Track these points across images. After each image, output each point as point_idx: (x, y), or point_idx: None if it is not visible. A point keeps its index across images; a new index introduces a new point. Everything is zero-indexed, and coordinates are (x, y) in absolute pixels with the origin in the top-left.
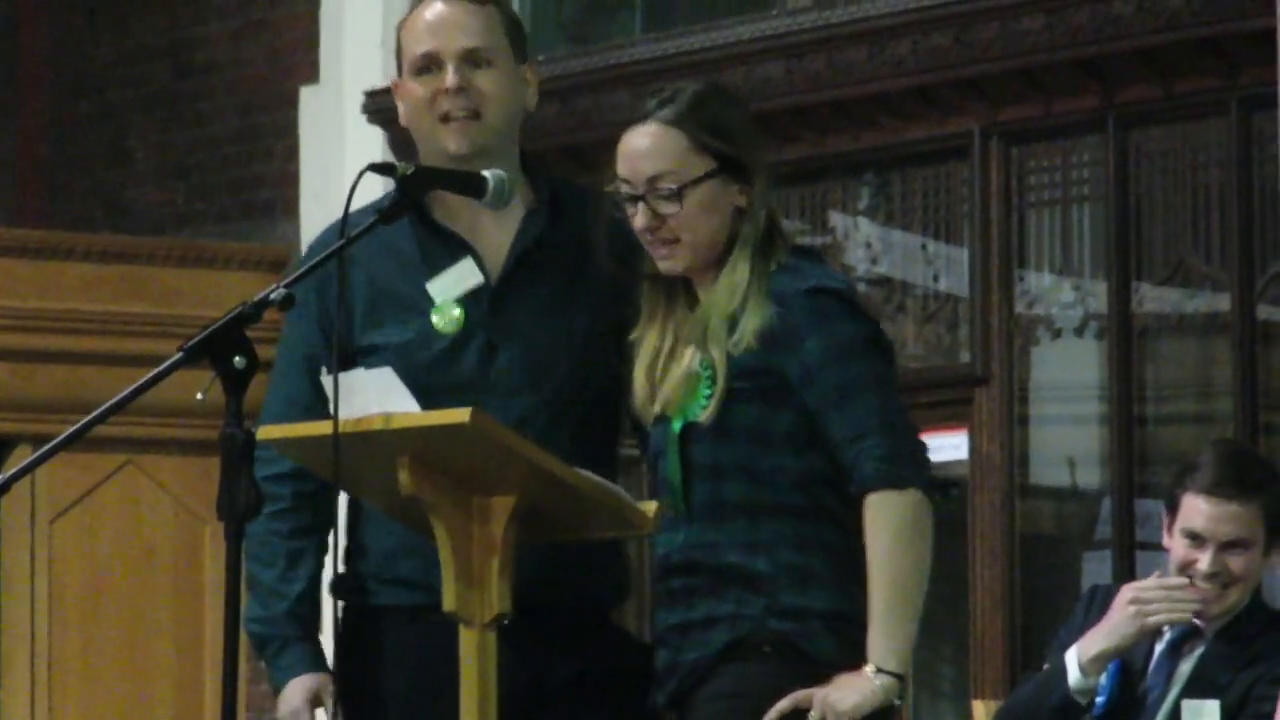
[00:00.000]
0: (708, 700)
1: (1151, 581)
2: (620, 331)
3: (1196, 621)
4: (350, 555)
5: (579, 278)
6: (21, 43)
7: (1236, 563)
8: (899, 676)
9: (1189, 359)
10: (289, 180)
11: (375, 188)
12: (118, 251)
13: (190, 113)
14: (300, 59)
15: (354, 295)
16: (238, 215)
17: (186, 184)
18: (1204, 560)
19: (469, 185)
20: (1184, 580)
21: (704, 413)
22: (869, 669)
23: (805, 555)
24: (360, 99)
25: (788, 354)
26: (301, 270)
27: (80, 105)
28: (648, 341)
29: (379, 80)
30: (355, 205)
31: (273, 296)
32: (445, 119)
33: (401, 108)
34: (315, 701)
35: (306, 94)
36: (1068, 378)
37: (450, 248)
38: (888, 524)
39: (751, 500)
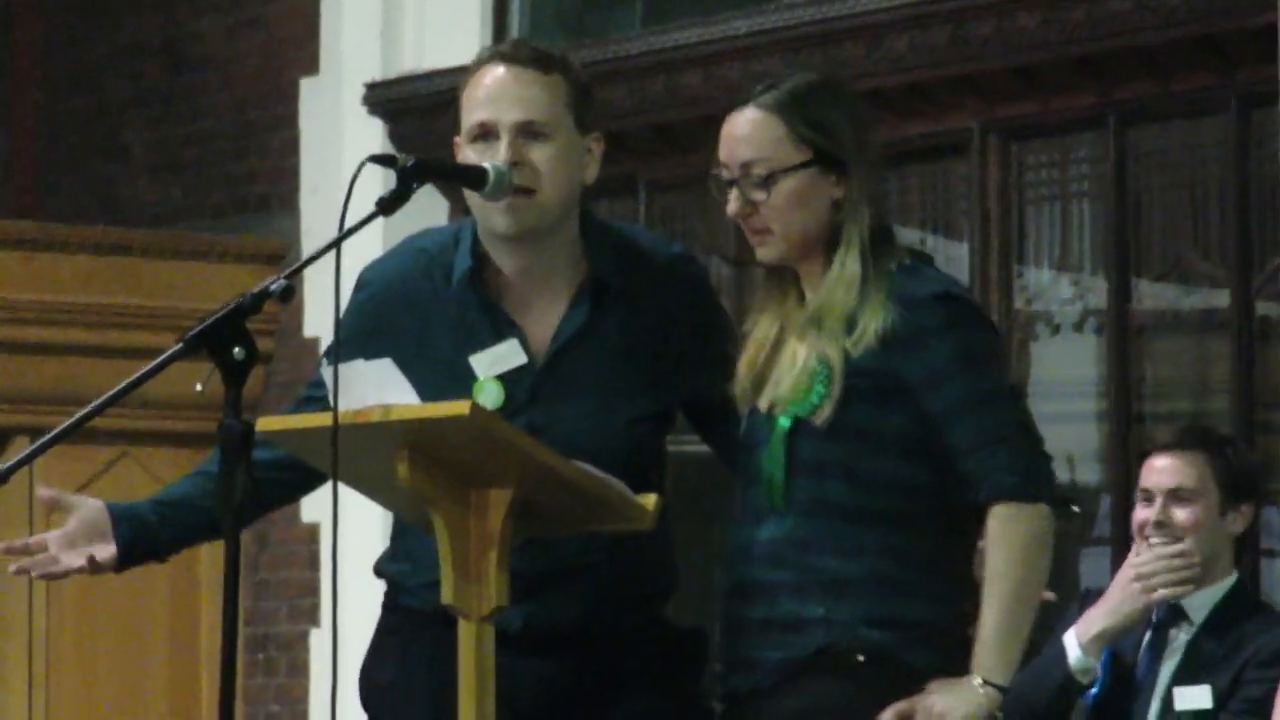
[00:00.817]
0: (800, 715)
1: (1148, 555)
2: (666, 419)
3: (1189, 593)
4: (393, 557)
5: (623, 363)
6: (16, 37)
7: (1181, 513)
8: (1003, 691)
9: (1187, 355)
10: (287, 174)
11: (375, 181)
12: (113, 244)
13: (186, 107)
14: (298, 51)
15: (397, 340)
16: (234, 209)
17: (183, 178)
18: (1151, 512)
19: (469, 178)
20: (1179, 546)
21: (818, 413)
22: (975, 680)
23: (899, 564)
24: (360, 91)
25: (911, 357)
26: (301, 263)
27: (75, 99)
28: (757, 331)
29: (378, 72)
30: (356, 201)
31: (273, 288)
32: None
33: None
34: (57, 504)
35: (306, 86)
36: (1066, 374)
37: (498, 325)
38: (1016, 536)
39: (851, 502)
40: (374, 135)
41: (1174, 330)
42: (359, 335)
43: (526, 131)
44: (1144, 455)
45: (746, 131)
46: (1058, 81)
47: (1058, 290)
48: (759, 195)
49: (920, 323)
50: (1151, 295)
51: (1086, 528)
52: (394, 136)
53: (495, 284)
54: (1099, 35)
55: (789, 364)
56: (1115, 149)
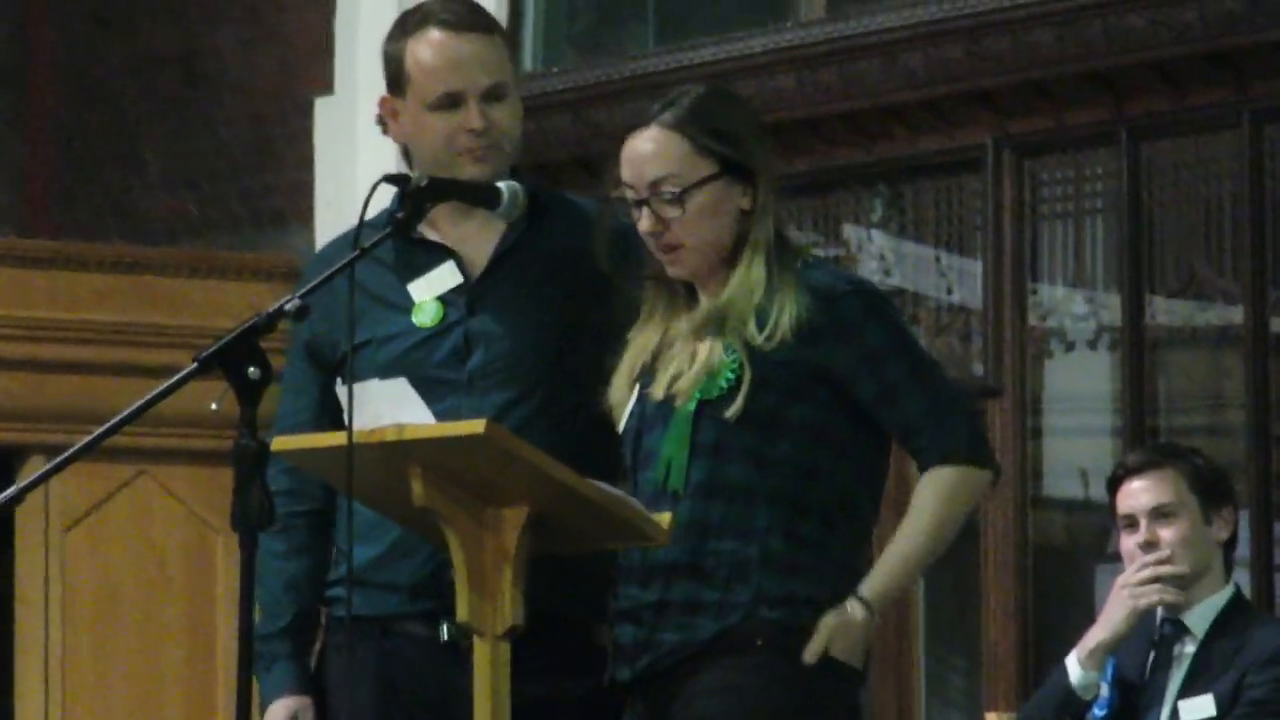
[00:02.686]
0: (702, 695)
1: (1134, 566)
2: (603, 333)
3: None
4: (334, 563)
5: (557, 280)
6: (32, 52)
7: (1166, 531)
8: (872, 613)
9: (1201, 371)
10: (302, 190)
11: (389, 200)
12: (130, 261)
13: (202, 122)
14: (314, 69)
15: (343, 303)
16: (250, 225)
17: (199, 193)
18: (1138, 535)
19: (483, 197)
20: (1164, 552)
21: (727, 403)
22: (858, 605)
23: (792, 545)
24: (374, 109)
25: (836, 348)
26: (315, 282)
27: (91, 114)
28: (641, 339)
29: None
30: (367, 216)
31: (287, 307)
32: (465, 151)
33: (398, 129)
34: None
35: (320, 104)
36: (1080, 390)
37: (432, 255)
38: (961, 492)
39: (748, 483)
40: (387, 154)
41: (1188, 346)
42: (316, 320)
43: (490, 95)
44: (1115, 483)
45: (651, 150)
46: (1072, 97)
47: (1072, 306)
48: (672, 212)
49: (842, 315)
50: (1166, 311)
51: (1101, 542)
52: (407, 155)
53: (427, 225)
54: (1113, 51)
55: (687, 359)
56: (1129, 164)
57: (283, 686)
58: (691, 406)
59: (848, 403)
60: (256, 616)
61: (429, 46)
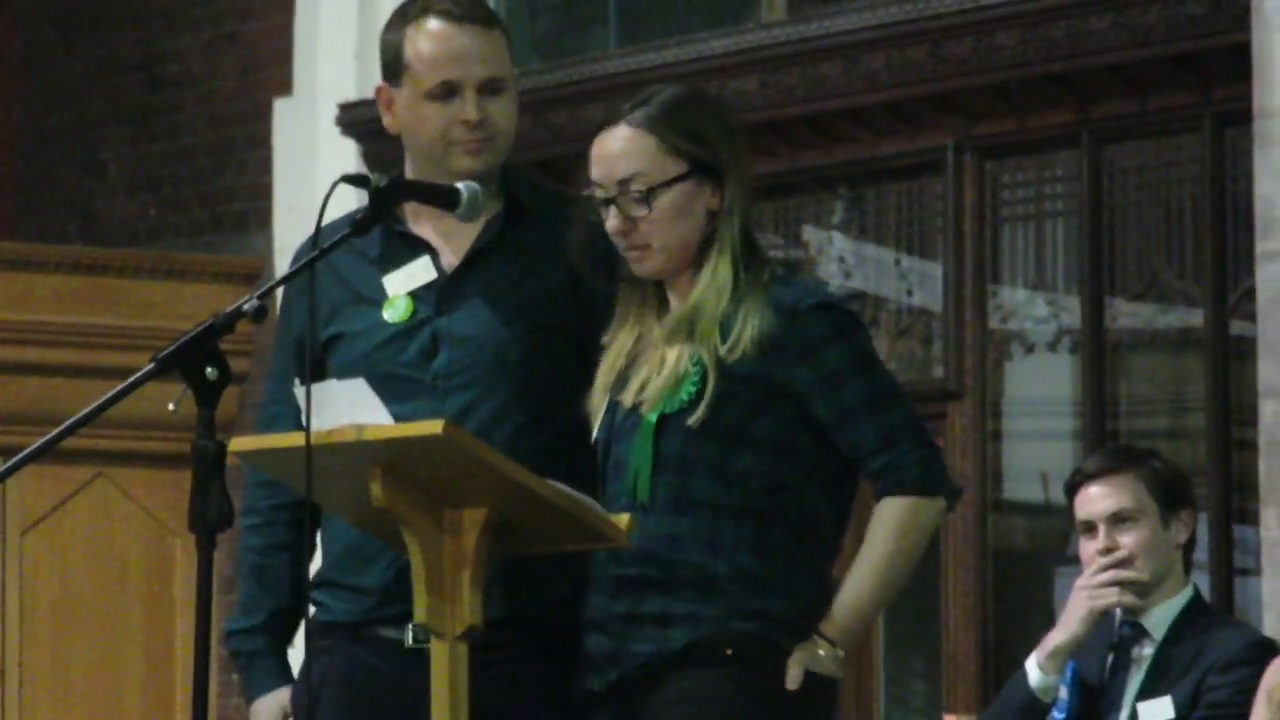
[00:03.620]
0: (672, 704)
1: (1093, 568)
2: (578, 335)
3: (1136, 603)
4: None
5: (530, 277)
6: None
7: (1126, 537)
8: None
9: (1162, 374)
10: (262, 192)
11: (348, 200)
12: (89, 263)
13: (163, 125)
14: (274, 71)
15: (324, 296)
16: (210, 227)
17: (159, 196)
18: (1097, 541)
19: (442, 198)
20: (1121, 554)
21: (689, 413)
22: (824, 642)
23: (763, 562)
24: (334, 111)
25: (798, 366)
26: (274, 282)
27: (52, 118)
28: (616, 342)
29: (352, 93)
30: (328, 217)
31: (245, 308)
32: (458, 143)
33: (392, 118)
34: (286, 716)
35: (280, 106)
36: (1041, 393)
37: (413, 249)
38: (911, 526)
39: (716, 500)
40: (347, 155)
41: (1149, 349)
42: (300, 316)
43: (488, 88)
44: (1073, 488)
45: (621, 148)
46: (1034, 100)
47: (1033, 309)
48: (640, 211)
49: (805, 332)
50: (1127, 313)
51: (1061, 546)
52: (367, 157)
53: (413, 219)
54: (1075, 54)
55: (656, 365)
56: (1090, 167)
57: (268, 681)
58: (653, 419)
59: (810, 419)
60: (228, 614)
61: (428, 36)
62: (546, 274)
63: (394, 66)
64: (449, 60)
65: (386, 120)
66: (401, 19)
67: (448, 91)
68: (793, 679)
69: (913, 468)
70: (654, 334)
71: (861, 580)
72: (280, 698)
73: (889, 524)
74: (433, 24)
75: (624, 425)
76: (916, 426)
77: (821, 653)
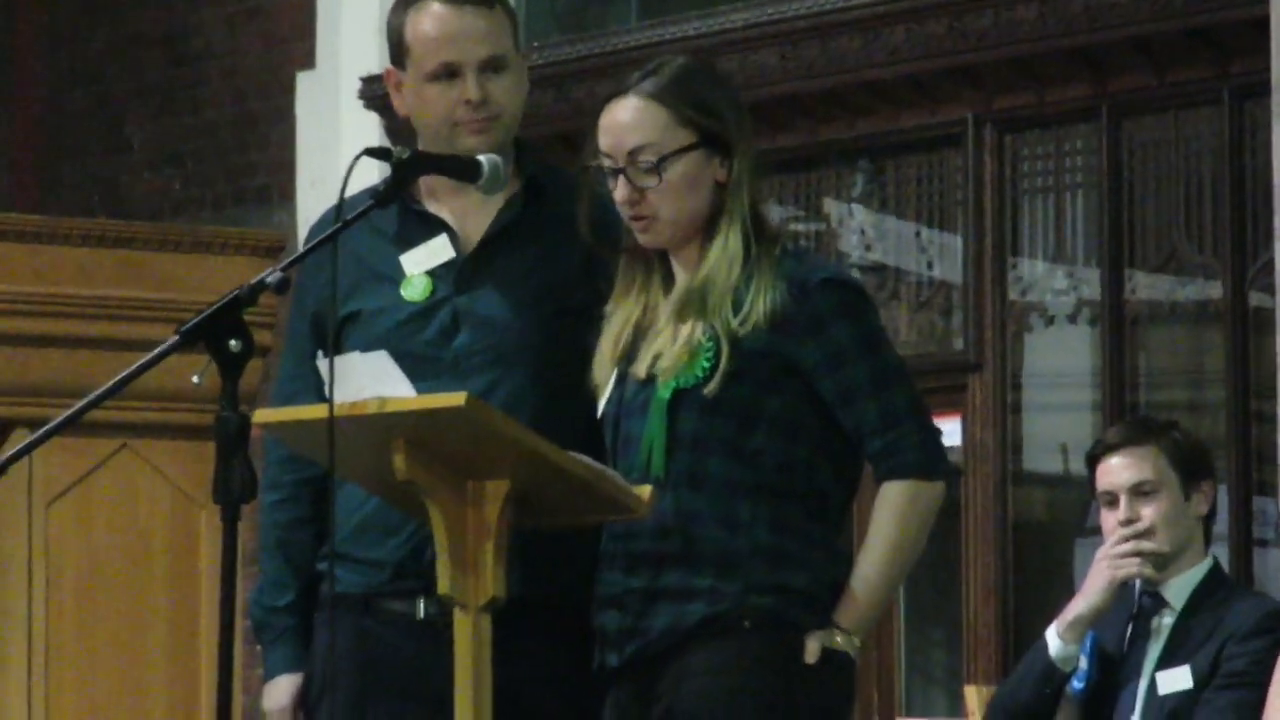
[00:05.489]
0: (690, 675)
1: (1114, 538)
2: (591, 312)
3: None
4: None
5: (550, 259)
6: (17, 31)
7: (1147, 508)
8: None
9: (1181, 346)
10: (285, 166)
11: (371, 173)
12: (114, 236)
13: (186, 100)
14: (296, 45)
15: (341, 272)
16: (233, 201)
17: (183, 171)
18: (1118, 512)
19: (464, 170)
20: (1142, 525)
21: (706, 385)
22: (839, 634)
23: (780, 537)
24: (356, 85)
25: (805, 341)
26: (297, 255)
27: (76, 93)
28: (620, 313)
29: (375, 66)
30: (350, 190)
31: (269, 280)
32: (463, 123)
33: (401, 101)
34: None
35: (302, 80)
36: (1061, 365)
37: (430, 227)
38: (912, 511)
39: (732, 477)
40: (370, 129)
41: (1168, 321)
42: (319, 291)
43: (489, 67)
44: (1094, 459)
45: (631, 119)
46: (1053, 73)
47: (1052, 281)
48: (649, 181)
49: (814, 308)
50: (1146, 286)
51: (1081, 517)
52: (389, 130)
53: (429, 197)
54: (1094, 27)
55: (668, 339)
56: (1110, 140)
57: (288, 662)
58: (666, 394)
59: (816, 397)
60: (252, 586)
61: (428, 18)
62: (566, 257)
63: (398, 50)
64: (448, 41)
65: (396, 103)
66: (404, 2)
67: (449, 72)
68: (811, 652)
69: (912, 450)
70: (660, 306)
71: (870, 568)
72: (297, 681)
73: (892, 510)
74: (433, 6)
75: (635, 400)
76: (918, 407)
77: (839, 639)
